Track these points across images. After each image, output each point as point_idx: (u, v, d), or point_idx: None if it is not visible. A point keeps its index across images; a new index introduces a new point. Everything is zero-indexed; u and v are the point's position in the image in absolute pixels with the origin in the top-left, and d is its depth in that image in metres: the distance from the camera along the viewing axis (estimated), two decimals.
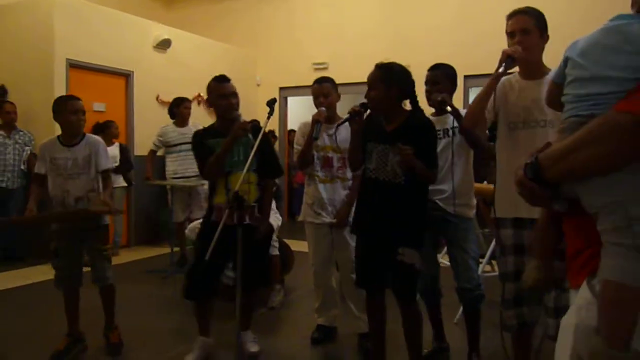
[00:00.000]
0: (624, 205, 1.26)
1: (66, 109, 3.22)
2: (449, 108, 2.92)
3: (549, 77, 2.03)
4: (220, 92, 3.15)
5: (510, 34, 2.47)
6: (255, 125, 3.11)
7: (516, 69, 2.57)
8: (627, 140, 1.21)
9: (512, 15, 2.48)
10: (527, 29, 2.42)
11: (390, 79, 2.65)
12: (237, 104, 3.18)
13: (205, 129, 3.36)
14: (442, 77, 3.00)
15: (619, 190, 1.27)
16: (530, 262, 1.80)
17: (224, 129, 3.10)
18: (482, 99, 2.51)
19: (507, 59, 2.40)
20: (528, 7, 2.48)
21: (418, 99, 2.74)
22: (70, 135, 3.29)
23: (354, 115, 2.81)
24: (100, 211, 3.25)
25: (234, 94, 3.17)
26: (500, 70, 2.42)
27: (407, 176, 2.63)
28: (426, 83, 3.00)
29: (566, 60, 1.54)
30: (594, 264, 1.34)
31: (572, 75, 1.49)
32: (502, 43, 2.52)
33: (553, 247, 1.73)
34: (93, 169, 3.28)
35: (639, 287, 1.25)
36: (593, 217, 1.34)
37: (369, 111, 2.81)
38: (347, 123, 2.96)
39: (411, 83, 2.71)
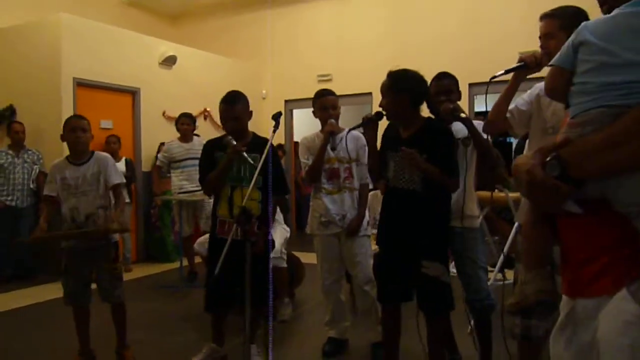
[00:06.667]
0: None
1: (66, 127, 3.25)
2: (463, 114, 2.77)
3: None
4: (221, 115, 3.22)
5: (540, 38, 2.38)
6: (259, 142, 3.12)
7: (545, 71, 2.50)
8: None
9: (540, 19, 2.37)
10: (550, 33, 2.29)
11: (398, 86, 2.65)
12: (235, 126, 3.17)
13: (217, 139, 3.36)
14: (454, 85, 2.95)
15: None
16: (523, 274, 1.58)
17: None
18: (507, 95, 2.46)
19: (519, 64, 2.35)
20: (556, 9, 2.32)
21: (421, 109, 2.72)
22: (75, 153, 3.30)
23: (368, 121, 2.80)
24: (112, 230, 3.25)
25: (233, 118, 3.17)
26: (504, 72, 2.33)
27: (423, 183, 2.62)
28: (438, 93, 2.90)
29: (578, 45, 1.40)
30: (623, 269, 1.24)
31: (594, 62, 1.35)
32: (506, 50, 2.47)
33: (549, 252, 1.58)
34: (102, 186, 3.29)
35: None
36: (628, 216, 1.23)
37: (384, 119, 2.80)
38: (354, 132, 2.95)
39: (424, 89, 2.69)
